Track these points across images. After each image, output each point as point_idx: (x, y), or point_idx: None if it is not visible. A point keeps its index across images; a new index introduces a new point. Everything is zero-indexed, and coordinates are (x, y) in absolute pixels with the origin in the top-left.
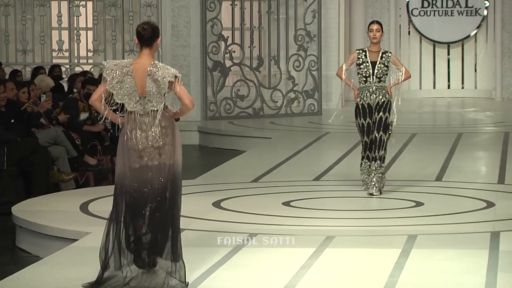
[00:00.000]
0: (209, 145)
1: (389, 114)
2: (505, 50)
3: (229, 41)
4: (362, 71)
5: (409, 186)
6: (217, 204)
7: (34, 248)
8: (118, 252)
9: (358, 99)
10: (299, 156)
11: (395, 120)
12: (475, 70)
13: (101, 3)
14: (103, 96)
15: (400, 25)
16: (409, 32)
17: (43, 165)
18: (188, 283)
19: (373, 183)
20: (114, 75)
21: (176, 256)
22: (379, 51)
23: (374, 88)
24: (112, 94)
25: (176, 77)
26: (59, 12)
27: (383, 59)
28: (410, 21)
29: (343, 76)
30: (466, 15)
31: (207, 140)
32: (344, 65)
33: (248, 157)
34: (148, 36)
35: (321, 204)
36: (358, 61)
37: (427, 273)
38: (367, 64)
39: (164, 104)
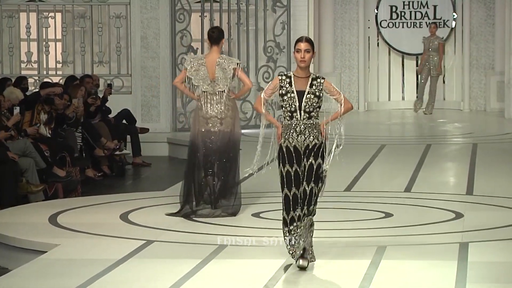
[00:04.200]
0: (179, 157)
1: (322, 160)
2: (473, 62)
3: (199, 52)
4: (286, 104)
5: (378, 197)
6: (186, 216)
7: (2, 260)
8: (191, 193)
9: (282, 140)
10: (269, 168)
11: (327, 166)
12: (444, 82)
13: (70, 15)
14: (184, 79)
15: (369, 37)
16: (378, 43)
17: (11, 176)
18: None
19: (303, 249)
20: (192, 65)
21: (232, 197)
22: (308, 76)
23: (302, 127)
24: (191, 79)
25: (238, 64)
26: (28, 23)
27: (314, 87)
28: (379, 32)
29: (263, 110)
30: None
31: (177, 152)
32: (263, 95)
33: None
34: (216, 36)
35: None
36: (280, 91)
37: (396, 284)
38: (292, 94)
39: (229, 88)
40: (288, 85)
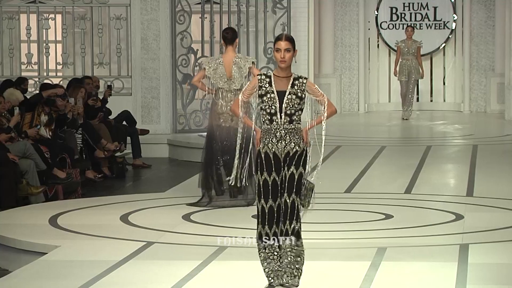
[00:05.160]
0: (179, 158)
1: (304, 169)
2: (473, 63)
3: (199, 54)
4: (266, 106)
5: (379, 199)
6: (187, 217)
7: (2, 262)
8: (209, 183)
9: (261, 146)
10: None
11: (312, 176)
12: (444, 83)
13: (70, 16)
14: (202, 78)
15: (369, 38)
16: (378, 45)
17: (11, 178)
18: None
19: (290, 271)
20: (211, 65)
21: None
22: (290, 76)
23: (282, 132)
24: (209, 78)
25: (253, 62)
26: (28, 25)
27: (296, 87)
28: (379, 34)
29: (240, 113)
30: (435, 29)
31: (177, 153)
32: (240, 97)
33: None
34: (230, 37)
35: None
36: (260, 91)
37: (396, 285)
38: (272, 95)
39: (243, 86)
40: (267, 85)
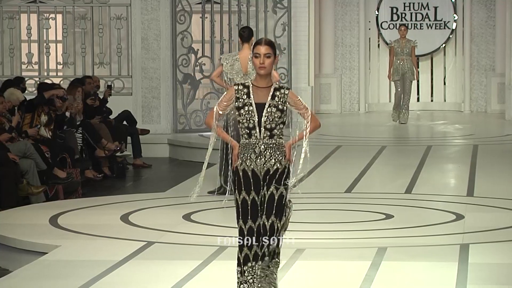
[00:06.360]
0: (179, 158)
1: (285, 189)
2: (474, 63)
3: (199, 54)
4: (244, 119)
5: (379, 199)
6: (187, 217)
7: (3, 262)
8: (226, 174)
9: (238, 162)
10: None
11: (293, 182)
12: (444, 83)
13: (70, 16)
14: (220, 73)
15: (369, 38)
16: (378, 45)
17: (11, 178)
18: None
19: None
20: (228, 61)
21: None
22: (270, 86)
23: (262, 147)
24: (227, 73)
25: None
26: (29, 24)
27: (276, 98)
28: (379, 34)
29: (214, 124)
30: (435, 28)
31: (177, 153)
32: (216, 108)
33: (218, 170)
34: (246, 35)
35: (291, 217)
36: (237, 103)
37: (397, 285)
38: (250, 107)
39: None
40: (245, 96)
